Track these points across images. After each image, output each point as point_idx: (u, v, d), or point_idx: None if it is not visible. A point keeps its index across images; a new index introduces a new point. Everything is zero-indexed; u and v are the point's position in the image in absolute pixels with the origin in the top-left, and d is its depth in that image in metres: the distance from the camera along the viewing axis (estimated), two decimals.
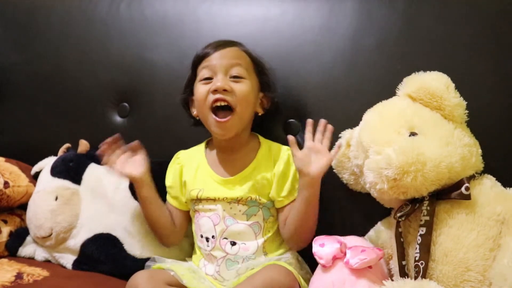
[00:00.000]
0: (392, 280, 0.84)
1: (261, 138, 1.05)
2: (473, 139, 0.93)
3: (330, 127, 0.95)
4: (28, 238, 1.18)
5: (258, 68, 1.03)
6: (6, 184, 1.17)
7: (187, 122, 1.16)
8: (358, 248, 0.84)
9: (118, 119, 1.28)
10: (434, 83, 0.92)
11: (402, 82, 0.97)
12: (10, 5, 1.42)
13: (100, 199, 1.15)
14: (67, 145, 1.26)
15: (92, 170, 1.20)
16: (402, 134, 0.90)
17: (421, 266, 0.84)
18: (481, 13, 1.02)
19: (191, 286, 0.94)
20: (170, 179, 1.07)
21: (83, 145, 1.25)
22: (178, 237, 1.08)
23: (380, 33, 1.07)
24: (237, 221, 0.98)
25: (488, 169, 0.93)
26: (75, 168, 1.19)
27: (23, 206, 1.22)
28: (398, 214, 0.89)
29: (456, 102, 0.91)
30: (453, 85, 0.93)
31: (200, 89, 0.99)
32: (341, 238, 0.89)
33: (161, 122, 1.23)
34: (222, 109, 0.97)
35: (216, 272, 0.99)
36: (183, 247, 1.11)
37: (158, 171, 1.13)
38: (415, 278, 0.84)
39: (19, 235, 1.18)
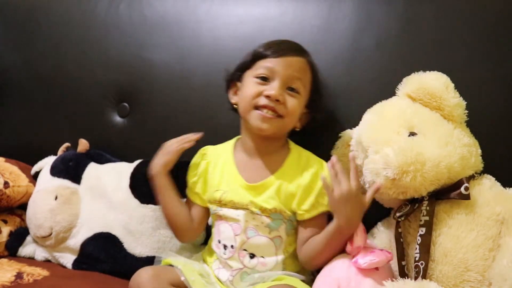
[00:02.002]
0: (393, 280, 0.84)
1: (292, 144, 1.00)
2: (473, 139, 0.93)
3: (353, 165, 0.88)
4: (28, 238, 1.18)
5: (314, 85, 0.99)
6: (6, 184, 1.17)
7: (186, 122, 1.17)
8: (367, 248, 0.84)
9: (118, 119, 1.28)
10: (434, 83, 0.92)
11: (402, 82, 0.97)
12: (10, 5, 1.41)
13: (100, 198, 1.16)
14: (66, 144, 1.27)
15: (92, 170, 1.20)
16: (402, 134, 0.90)
17: (421, 267, 0.84)
18: (480, 13, 1.02)
19: None
20: (193, 174, 1.03)
21: (83, 145, 1.25)
22: (195, 234, 1.05)
23: (379, 33, 1.07)
24: (258, 233, 0.94)
25: (487, 169, 0.93)
26: (74, 167, 1.19)
27: (23, 206, 1.22)
28: (398, 214, 0.89)
29: (455, 102, 0.92)
30: (453, 85, 0.93)
31: (253, 86, 0.94)
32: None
33: (161, 121, 1.23)
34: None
35: (229, 281, 0.96)
36: (184, 246, 1.10)
37: None
38: (415, 278, 0.84)
39: (19, 235, 1.18)
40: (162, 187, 1.01)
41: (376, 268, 0.82)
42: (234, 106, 1.01)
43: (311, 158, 0.98)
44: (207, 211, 1.03)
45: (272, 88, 0.92)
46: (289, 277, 0.92)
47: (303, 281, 0.92)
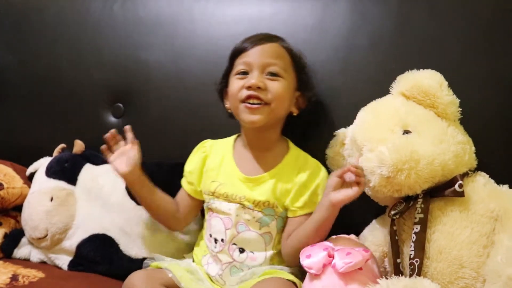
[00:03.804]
0: (387, 278, 0.84)
1: (291, 144, 1.02)
2: (466, 136, 0.93)
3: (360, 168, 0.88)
4: (23, 240, 1.18)
5: (298, 66, 1.00)
6: (0, 186, 1.17)
7: (181, 122, 1.17)
8: (344, 250, 0.83)
9: (112, 119, 1.27)
10: (427, 81, 0.92)
11: (396, 80, 0.97)
12: (3, 5, 1.41)
13: (96, 199, 1.15)
14: (62, 145, 1.26)
15: (88, 171, 1.19)
16: (396, 132, 0.91)
17: (416, 264, 0.84)
18: (474, 11, 1.03)
19: None
20: (191, 165, 1.05)
21: (78, 146, 1.25)
22: (182, 225, 1.07)
23: (373, 31, 1.07)
24: (249, 228, 0.96)
25: (481, 166, 0.93)
26: (70, 168, 1.19)
27: (18, 208, 1.21)
28: (393, 212, 0.90)
29: (449, 99, 0.92)
30: (446, 83, 0.93)
31: (235, 83, 0.97)
32: (327, 243, 0.87)
33: (155, 122, 1.22)
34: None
35: (218, 275, 0.97)
36: (180, 247, 1.11)
37: (155, 171, 1.12)
38: (410, 275, 0.84)
39: (14, 237, 1.18)
40: (139, 194, 1.03)
41: (360, 268, 0.81)
42: (229, 111, 1.03)
43: (309, 158, 1.00)
44: (198, 203, 1.05)
45: (251, 78, 0.95)
46: (277, 270, 0.93)
47: (291, 273, 0.93)
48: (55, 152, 1.25)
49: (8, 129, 1.37)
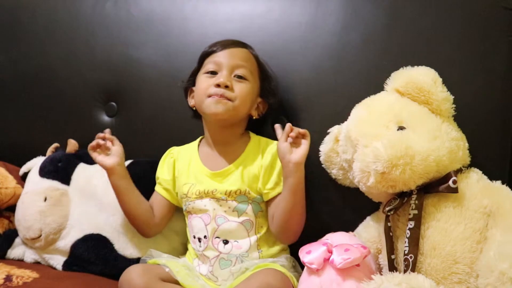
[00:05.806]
0: (381, 274, 0.85)
1: (252, 134, 1.07)
2: (460, 133, 0.94)
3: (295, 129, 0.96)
4: (17, 240, 1.18)
5: (262, 74, 1.06)
6: None
7: (174, 121, 1.16)
8: (342, 247, 0.83)
9: (105, 118, 1.27)
10: (422, 77, 0.93)
11: (390, 76, 0.97)
12: None
13: (90, 199, 1.15)
14: (55, 145, 1.26)
15: (81, 170, 1.19)
16: (391, 128, 0.91)
17: (410, 260, 0.85)
18: (466, 8, 1.03)
19: (185, 283, 0.94)
20: (164, 172, 1.08)
21: (72, 145, 1.24)
22: (156, 230, 1.08)
23: (366, 29, 1.07)
24: (228, 219, 0.99)
25: (474, 163, 0.94)
26: (64, 168, 1.19)
27: (11, 208, 1.21)
28: (387, 208, 0.90)
29: (443, 96, 0.92)
30: (441, 79, 0.93)
31: (204, 81, 1.02)
32: (326, 239, 0.87)
33: (148, 121, 1.22)
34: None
35: (209, 272, 0.99)
36: (175, 247, 1.11)
37: (148, 170, 1.12)
38: (405, 271, 0.85)
39: (8, 237, 1.17)
40: (117, 187, 1.04)
41: (357, 265, 0.82)
42: (193, 108, 1.07)
43: (269, 141, 1.05)
44: (172, 208, 1.08)
45: (221, 76, 1.00)
46: (268, 264, 0.94)
47: (283, 266, 0.95)
48: (49, 152, 1.25)
49: (0, 128, 1.36)
